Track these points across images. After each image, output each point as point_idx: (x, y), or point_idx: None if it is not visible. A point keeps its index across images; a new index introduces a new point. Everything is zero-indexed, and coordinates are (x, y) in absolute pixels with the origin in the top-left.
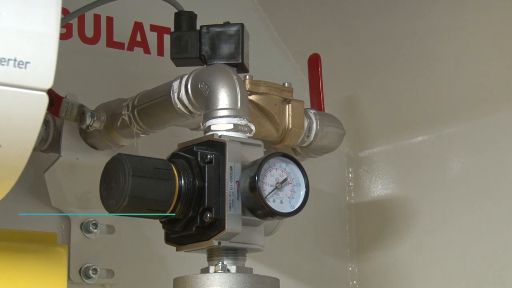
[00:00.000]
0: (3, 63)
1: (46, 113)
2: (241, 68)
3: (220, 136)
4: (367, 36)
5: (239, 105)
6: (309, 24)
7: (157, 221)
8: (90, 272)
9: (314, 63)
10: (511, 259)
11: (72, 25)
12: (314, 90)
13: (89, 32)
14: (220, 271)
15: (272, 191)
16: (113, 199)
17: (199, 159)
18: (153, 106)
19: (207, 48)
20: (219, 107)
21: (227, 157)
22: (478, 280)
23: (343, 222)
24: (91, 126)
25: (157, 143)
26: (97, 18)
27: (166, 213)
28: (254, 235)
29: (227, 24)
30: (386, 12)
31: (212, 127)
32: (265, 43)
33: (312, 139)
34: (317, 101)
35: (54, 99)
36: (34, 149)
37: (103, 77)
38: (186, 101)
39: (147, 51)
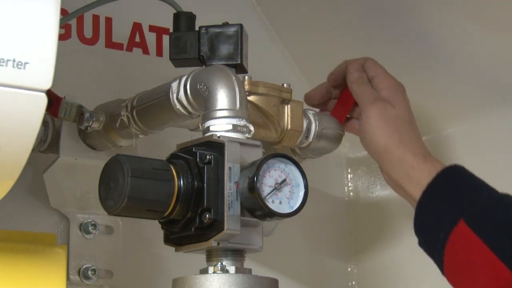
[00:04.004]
0: (2, 63)
1: (45, 114)
2: (240, 68)
3: (219, 137)
4: (367, 37)
5: (238, 105)
6: (308, 24)
7: (156, 221)
8: (89, 272)
9: None
10: None
11: (71, 26)
12: (344, 103)
13: (88, 33)
14: (219, 272)
15: (271, 191)
16: (112, 199)
17: (198, 159)
18: (152, 107)
19: (206, 48)
20: (218, 108)
21: (226, 157)
22: None
23: (341, 222)
24: (90, 126)
25: (156, 144)
26: (96, 18)
27: (165, 213)
28: (253, 235)
29: (226, 24)
30: (386, 14)
31: (211, 128)
32: (264, 43)
33: (311, 140)
34: (340, 113)
35: (53, 100)
36: (33, 150)
37: (102, 78)
38: (185, 102)
39: (146, 51)
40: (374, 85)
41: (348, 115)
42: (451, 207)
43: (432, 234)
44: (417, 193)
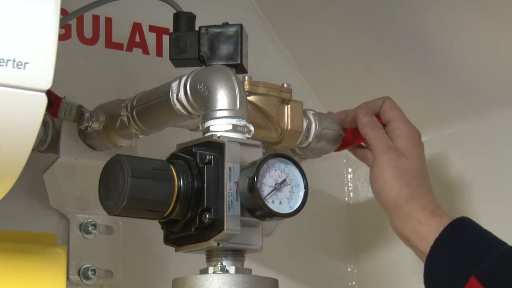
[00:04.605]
0: (2, 63)
1: (45, 114)
2: (240, 69)
3: (219, 137)
4: (367, 37)
5: (238, 105)
6: (308, 25)
7: (156, 221)
8: (89, 273)
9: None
10: None
11: (71, 26)
12: (354, 138)
13: (88, 33)
14: (219, 272)
15: (271, 191)
16: (112, 200)
17: (198, 159)
18: (152, 107)
19: (206, 48)
20: (218, 108)
21: (226, 157)
22: None
23: (342, 222)
24: (90, 126)
25: (156, 144)
26: (96, 18)
27: (165, 213)
28: (253, 236)
29: (226, 24)
30: (387, 15)
31: (211, 128)
32: (264, 43)
33: (311, 140)
34: (344, 144)
35: (53, 100)
36: (33, 150)
37: (102, 78)
38: (185, 102)
39: (146, 51)
40: (390, 129)
41: (363, 143)
42: (461, 264)
43: None
44: (424, 248)
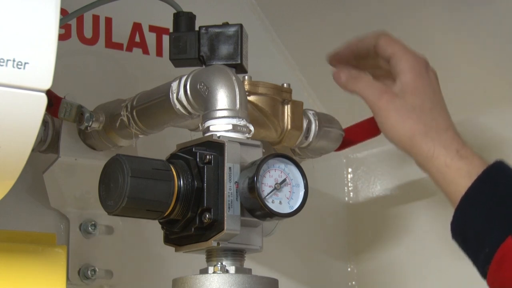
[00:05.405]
0: (1, 63)
1: (45, 114)
2: (240, 68)
3: (219, 137)
4: None
5: (238, 105)
6: (308, 25)
7: (156, 221)
8: (89, 273)
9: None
10: None
11: (71, 26)
12: (358, 133)
13: (88, 33)
14: (219, 272)
15: (271, 191)
16: (112, 200)
17: (198, 159)
18: (152, 107)
19: (206, 48)
20: (218, 108)
21: (226, 157)
22: (477, 280)
23: (341, 222)
24: (90, 126)
25: (156, 144)
26: (96, 18)
27: (165, 213)
28: (253, 235)
29: (226, 25)
30: (387, 15)
31: (211, 128)
32: (264, 43)
33: (311, 140)
34: (345, 144)
35: (53, 100)
36: (33, 150)
37: (102, 78)
38: (185, 102)
39: (146, 51)
40: (392, 67)
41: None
42: (497, 221)
43: (475, 245)
44: (454, 195)
